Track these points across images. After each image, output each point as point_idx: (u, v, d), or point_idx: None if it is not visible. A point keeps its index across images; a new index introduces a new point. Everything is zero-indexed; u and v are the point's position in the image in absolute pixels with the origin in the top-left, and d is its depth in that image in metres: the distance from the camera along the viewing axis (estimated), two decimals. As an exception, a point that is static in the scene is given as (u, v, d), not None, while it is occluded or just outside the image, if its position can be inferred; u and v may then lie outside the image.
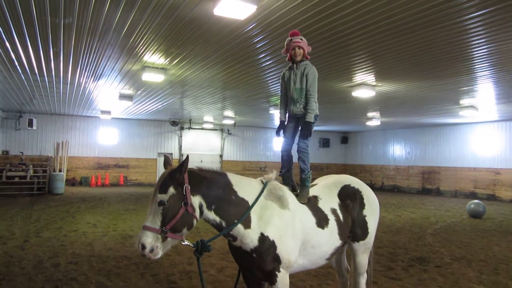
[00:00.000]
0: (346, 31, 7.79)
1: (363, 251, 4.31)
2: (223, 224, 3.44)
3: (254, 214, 3.51)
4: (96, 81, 13.48)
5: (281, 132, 4.40)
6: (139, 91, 15.20)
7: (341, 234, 3.98)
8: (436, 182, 24.66)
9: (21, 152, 21.68)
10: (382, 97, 14.77)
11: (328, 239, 3.87)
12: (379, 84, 12.75)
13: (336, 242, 3.96)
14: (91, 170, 24.34)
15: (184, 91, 15.05)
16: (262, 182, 3.81)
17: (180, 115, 23.31)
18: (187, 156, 3.42)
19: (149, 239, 3.14)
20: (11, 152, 21.93)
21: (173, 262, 7.35)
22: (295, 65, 4.27)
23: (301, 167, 4.20)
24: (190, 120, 25.88)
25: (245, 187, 3.65)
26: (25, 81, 13.60)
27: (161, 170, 25.35)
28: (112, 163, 25.01)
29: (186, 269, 6.87)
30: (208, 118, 23.99)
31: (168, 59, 10.46)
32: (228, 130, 28.28)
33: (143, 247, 3.12)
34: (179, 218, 3.21)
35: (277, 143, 30.11)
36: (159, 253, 3.19)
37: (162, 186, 3.25)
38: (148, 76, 11.60)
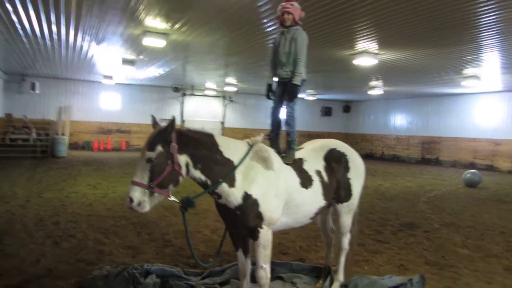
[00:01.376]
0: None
1: (347, 212, 4.49)
2: (208, 182, 3.61)
3: (239, 173, 3.67)
4: (97, 46, 13.46)
5: (271, 95, 4.48)
6: (141, 56, 15.16)
7: (325, 194, 4.13)
8: (436, 152, 24.78)
9: (24, 116, 21.82)
10: (385, 65, 14.67)
11: (312, 199, 4.03)
12: (382, 52, 12.66)
13: (320, 202, 4.12)
14: (94, 135, 24.58)
15: (186, 56, 15.00)
16: (249, 144, 3.95)
17: (183, 81, 23.28)
18: (173, 117, 3.52)
19: (137, 194, 3.32)
20: (14, 115, 22.06)
21: (169, 222, 7.61)
22: (285, 30, 4.31)
23: (287, 130, 4.34)
24: (192, 86, 25.86)
25: (231, 148, 3.79)
26: (27, 44, 13.57)
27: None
28: (114, 128, 25.19)
29: (181, 229, 7.11)
30: (210, 84, 23.95)
31: (170, 24, 10.36)
32: (230, 97, 28.26)
33: (131, 200, 3.31)
34: (166, 175, 3.38)
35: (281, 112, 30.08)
36: (146, 207, 3.37)
37: (151, 144, 3.40)
38: (149, 41, 11.55)
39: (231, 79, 21.30)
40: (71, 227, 7.08)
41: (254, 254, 3.80)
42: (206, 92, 26.58)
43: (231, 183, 3.62)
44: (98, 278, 4.34)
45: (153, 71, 19.10)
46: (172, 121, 3.44)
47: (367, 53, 12.58)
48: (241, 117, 29.27)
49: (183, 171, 3.50)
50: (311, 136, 31.52)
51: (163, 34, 11.28)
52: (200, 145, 3.60)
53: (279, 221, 3.87)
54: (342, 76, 18.08)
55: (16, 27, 11.27)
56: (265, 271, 3.75)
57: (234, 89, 24.68)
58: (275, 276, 4.78)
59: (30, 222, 7.29)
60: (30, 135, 19.88)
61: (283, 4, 4.21)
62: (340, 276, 4.59)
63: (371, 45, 11.81)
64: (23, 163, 16.51)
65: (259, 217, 3.65)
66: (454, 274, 5.37)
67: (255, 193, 3.63)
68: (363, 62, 13.17)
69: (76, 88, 23.98)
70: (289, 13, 4.20)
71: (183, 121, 27.63)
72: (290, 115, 4.36)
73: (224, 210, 3.78)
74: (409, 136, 26.83)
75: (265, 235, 3.71)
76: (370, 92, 22.48)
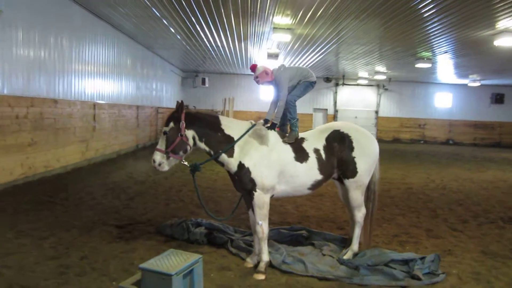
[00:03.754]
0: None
1: (355, 187, 4.84)
2: (212, 152, 4.60)
3: (237, 147, 4.56)
4: (251, 46, 15.23)
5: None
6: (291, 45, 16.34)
7: (321, 170, 4.70)
8: None
9: (193, 106, 25.40)
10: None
11: (307, 172, 4.65)
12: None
13: (316, 176, 4.69)
14: (253, 123, 27.01)
15: (339, 44, 15.29)
16: (251, 123, 4.75)
17: (334, 71, 23.80)
18: (182, 101, 4.58)
19: (158, 157, 4.48)
20: (190, 107, 25.88)
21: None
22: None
23: (288, 117, 5.02)
24: (343, 76, 26.14)
25: (233, 127, 4.67)
26: (200, 50, 16.33)
27: (316, 124, 26.59)
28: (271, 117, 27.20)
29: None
30: (362, 74, 23.92)
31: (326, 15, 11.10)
32: (383, 86, 27.63)
33: (154, 161, 4.48)
34: (176, 144, 4.46)
35: (439, 99, 28.24)
36: (165, 167, 4.51)
37: (167, 121, 4.53)
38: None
39: (380, 68, 20.99)
40: (187, 195, 8.33)
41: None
42: (359, 81, 26.55)
43: (230, 154, 4.54)
44: (167, 226, 5.66)
45: (303, 61, 20.00)
46: (180, 104, 4.51)
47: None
48: (396, 106, 28.35)
49: (190, 142, 4.53)
50: (477, 126, 28.74)
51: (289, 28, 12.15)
52: (203, 123, 4.58)
53: (279, 189, 4.62)
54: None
55: (194, 38, 13.96)
56: (261, 227, 4.46)
57: (383, 77, 24.13)
58: (308, 243, 5.35)
59: (160, 189, 8.89)
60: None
61: (254, 77, 5.12)
62: (354, 246, 4.92)
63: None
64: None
65: (252, 182, 4.45)
66: None
67: (247, 163, 4.47)
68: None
69: (239, 81, 26.70)
70: (259, 83, 5.14)
71: (336, 111, 28.19)
72: (292, 104, 5.00)
73: (231, 176, 4.69)
74: None
75: (259, 197, 4.47)
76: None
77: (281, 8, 10.60)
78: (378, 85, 27.72)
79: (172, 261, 3.12)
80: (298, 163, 4.63)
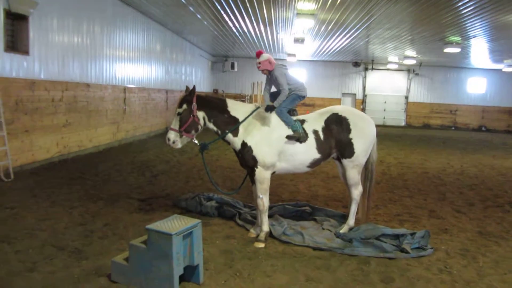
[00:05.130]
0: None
1: (352, 167, 5.19)
2: (219, 132, 5.09)
3: (241, 127, 5.03)
4: (281, 32, 15.74)
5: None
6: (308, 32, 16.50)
7: (319, 149, 5.09)
8: None
9: (222, 90, 26.00)
10: None
11: (305, 151, 5.04)
12: None
13: (315, 155, 5.09)
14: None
15: (364, 28, 15.19)
16: (256, 106, 5.20)
17: (363, 55, 23.67)
18: (194, 86, 5.03)
19: (172, 135, 4.97)
20: (219, 91, 26.46)
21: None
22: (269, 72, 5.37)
23: (286, 124, 5.18)
24: (372, 60, 25.93)
25: (238, 109, 5.12)
26: (229, 35, 16.89)
27: (344, 109, 26.60)
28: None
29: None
30: (392, 58, 23.66)
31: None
32: (414, 71, 27.20)
33: (168, 139, 4.97)
34: (189, 123, 4.93)
35: (472, 85, 27.56)
36: (179, 145, 5.01)
37: (180, 103, 4.98)
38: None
39: (410, 52, 20.74)
40: (204, 173, 8.77)
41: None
42: (388, 66, 26.26)
43: (235, 134, 5.03)
44: (182, 200, 6.22)
45: (335, 44, 19.89)
46: (193, 88, 4.98)
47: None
48: (427, 91, 27.91)
49: (201, 122, 5.03)
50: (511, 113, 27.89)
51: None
52: (212, 105, 5.07)
53: (279, 166, 5.06)
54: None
55: (221, 24, 14.54)
56: (262, 200, 4.92)
57: (414, 62, 23.78)
58: (311, 218, 5.77)
59: (183, 168, 9.45)
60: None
61: (256, 62, 5.30)
62: (350, 221, 5.32)
63: None
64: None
65: (254, 160, 4.93)
66: None
67: (249, 141, 4.94)
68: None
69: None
70: (259, 67, 5.33)
71: (365, 95, 28.06)
72: (283, 115, 5.14)
73: (236, 153, 5.17)
74: None
75: (260, 173, 4.93)
76: None
77: (303, -7, 10.84)
78: (409, 70, 27.33)
79: (175, 224, 3.61)
80: (297, 143, 5.01)
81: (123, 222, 5.40)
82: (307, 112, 5.37)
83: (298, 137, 4.98)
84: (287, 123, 5.08)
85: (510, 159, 13.29)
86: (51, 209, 5.84)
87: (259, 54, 5.37)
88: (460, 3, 10.78)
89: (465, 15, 11.99)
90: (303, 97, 5.30)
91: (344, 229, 5.22)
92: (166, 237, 3.40)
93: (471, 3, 10.70)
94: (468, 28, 13.81)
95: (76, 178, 7.89)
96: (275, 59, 22.32)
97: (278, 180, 8.11)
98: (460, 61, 23.74)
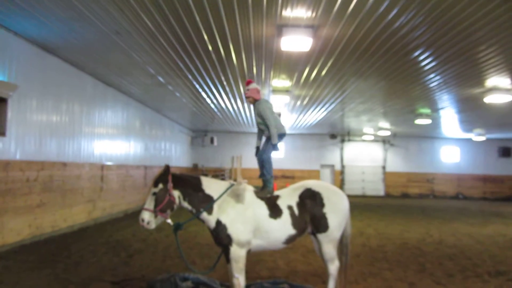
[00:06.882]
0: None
1: (327, 241, 5.17)
2: (194, 211, 5.01)
3: (216, 205, 5.00)
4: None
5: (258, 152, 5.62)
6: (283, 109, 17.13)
7: (294, 225, 5.06)
8: None
9: (202, 165, 26.22)
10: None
11: (280, 228, 5.02)
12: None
13: (290, 230, 5.06)
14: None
15: (337, 103, 16.07)
16: (231, 184, 5.22)
17: (339, 127, 24.45)
18: (167, 165, 4.99)
19: (147, 216, 4.84)
20: (199, 166, 26.63)
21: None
22: (252, 106, 5.59)
23: (264, 173, 5.47)
24: (348, 132, 26.77)
25: (213, 187, 5.11)
26: (208, 112, 17.45)
27: (324, 180, 26.89)
28: (279, 174, 27.62)
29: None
30: (367, 129, 24.50)
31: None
32: (389, 141, 28.09)
33: (143, 220, 4.84)
34: (165, 203, 4.85)
35: (446, 154, 28.48)
36: (153, 225, 4.86)
37: (155, 182, 4.92)
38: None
39: (383, 124, 21.59)
40: (185, 252, 8.34)
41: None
42: (364, 137, 27.09)
43: (210, 212, 4.99)
44: (157, 281, 5.96)
45: (307, 119, 20.74)
46: (167, 168, 4.96)
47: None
48: (403, 161, 28.63)
49: (177, 201, 4.96)
50: (486, 180, 28.62)
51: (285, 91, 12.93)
52: (187, 184, 5.03)
53: (254, 243, 4.99)
54: None
55: (199, 101, 15.09)
56: (237, 280, 4.84)
57: (388, 133, 24.67)
58: None
59: (160, 246, 9.17)
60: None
61: (244, 90, 5.41)
62: None
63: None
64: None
65: (229, 238, 4.88)
66: None
67: (224, 220, 4.92)
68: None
69: (246, 139, 27.45)
70: (248, 96, 5.52)
71: (343, 166, 28.53)
72: (268, 161, 5.42)
73: (210, 232, 5.10)
74: None
75: (235, 252, 4.87)
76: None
77: (276, 73, 11.42)
78: (384, 140, 28.22)
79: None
80: (272, 220, 5.02)
81: (93, 309, 5.15)
82: (287, 185, 5.47)
83: (265, 194, 5.13)
84: (267, 173, 5.30)
85: (487, 227, 13.43)
86: (17, 297, 5.55)
87: (249, 83, 5.55)
88: (426, 78, 11.51)
89: (432, 89, 12.75)
90: (284, 134, 5.47)
91: (323, 306, 5.09)
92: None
93: (436, 78, 11.42)
94: (436, 100, 14.61)
95: (47, 261, 7.57)
96: (253, 133, 23.22)
97: (257, 256, 7.94)
98: (432, 131, 24.70)
